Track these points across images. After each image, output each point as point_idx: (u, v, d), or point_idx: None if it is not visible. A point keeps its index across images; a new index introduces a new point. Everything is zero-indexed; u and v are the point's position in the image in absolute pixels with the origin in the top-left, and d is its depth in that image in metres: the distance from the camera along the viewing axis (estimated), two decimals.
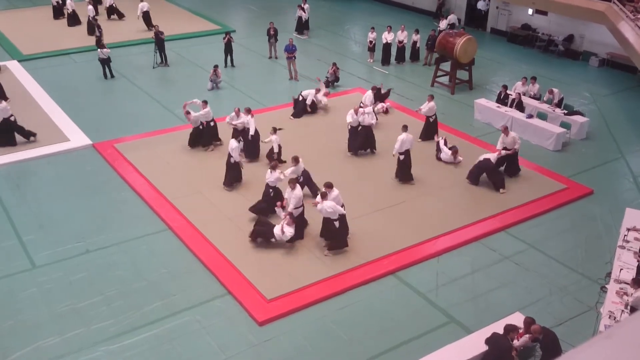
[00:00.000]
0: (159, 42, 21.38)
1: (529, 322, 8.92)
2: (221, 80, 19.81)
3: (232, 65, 21.71)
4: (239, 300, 10.29)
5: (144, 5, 25.19)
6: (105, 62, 20.22)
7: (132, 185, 13.87)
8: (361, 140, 15.17)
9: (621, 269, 10.25)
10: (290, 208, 11.65)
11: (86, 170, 14.58)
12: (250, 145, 14.78)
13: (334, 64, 20.14)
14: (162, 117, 17.59)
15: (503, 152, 14.05)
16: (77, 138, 16.05)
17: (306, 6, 25.45)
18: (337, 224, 11.33)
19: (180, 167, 14.61)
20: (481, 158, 14.04)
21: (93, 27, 23.73)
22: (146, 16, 25.24)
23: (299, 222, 11.68)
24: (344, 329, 9.79)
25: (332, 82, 19.82)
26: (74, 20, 26.00)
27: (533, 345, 9.04)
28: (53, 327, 9.69)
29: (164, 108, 18.22)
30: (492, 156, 13.88)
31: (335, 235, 11.47)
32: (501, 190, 13.69)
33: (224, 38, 21.57)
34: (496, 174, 13.89)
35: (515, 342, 8.76)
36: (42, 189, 13.78)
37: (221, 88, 19.75)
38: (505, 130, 14.35)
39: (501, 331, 8.78)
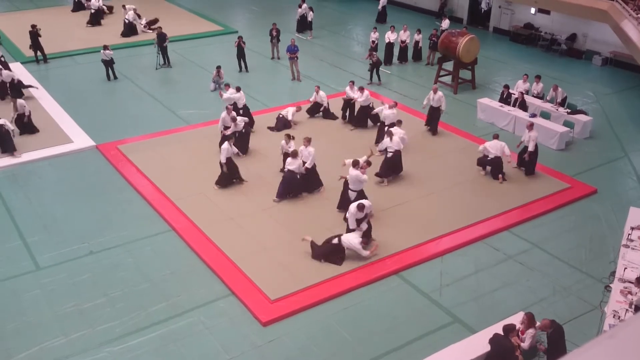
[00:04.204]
0: (162, 43, 21.38)
1: (530, 317, 8.91)
2: (224, 81, 19.80)
3: (246, 70, 21.41)
4: (243, 300, 10.29)
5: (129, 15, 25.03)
6: (108, 63, 20.27)
7: (135, 186, 13.89)
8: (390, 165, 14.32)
9: (625, 268, 10.22)
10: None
11: (89, 172, 14.61)
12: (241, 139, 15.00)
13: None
14: (165, 118, 17.60)
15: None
16: (81, 139, 16.09)
17: (304, 5, 25.42)
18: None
19: (183, 168, 14.62)
20: (492, 156, 14.39)
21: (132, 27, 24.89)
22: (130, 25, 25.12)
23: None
24: (348, 329, 9.80)
25: (376, 69, 19.84)
26: (95, 19, 26.21)
27: (539, 342, 9.01)
28: (57, 328, 9.71)
29: (167, 109, 18.24)
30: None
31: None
32: (502, 179, 14.08)
33: (235, 42, 21.26)
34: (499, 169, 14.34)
35: (524, 345, 8.73)
36: (46, 191, 13.82)
37: (224, 89, 19.73)
38: (495, 136, 14.55)
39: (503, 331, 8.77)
